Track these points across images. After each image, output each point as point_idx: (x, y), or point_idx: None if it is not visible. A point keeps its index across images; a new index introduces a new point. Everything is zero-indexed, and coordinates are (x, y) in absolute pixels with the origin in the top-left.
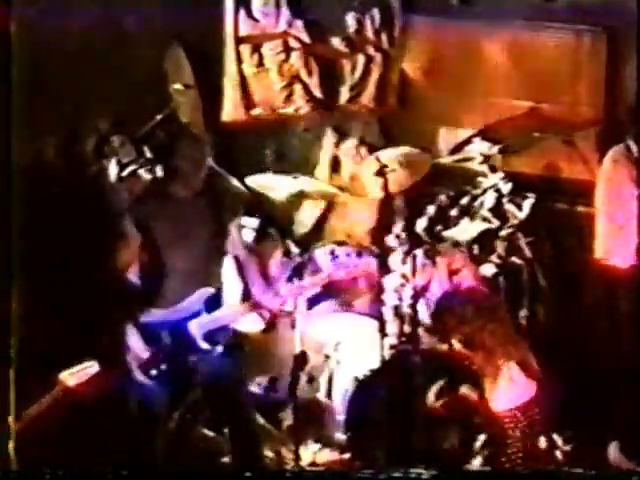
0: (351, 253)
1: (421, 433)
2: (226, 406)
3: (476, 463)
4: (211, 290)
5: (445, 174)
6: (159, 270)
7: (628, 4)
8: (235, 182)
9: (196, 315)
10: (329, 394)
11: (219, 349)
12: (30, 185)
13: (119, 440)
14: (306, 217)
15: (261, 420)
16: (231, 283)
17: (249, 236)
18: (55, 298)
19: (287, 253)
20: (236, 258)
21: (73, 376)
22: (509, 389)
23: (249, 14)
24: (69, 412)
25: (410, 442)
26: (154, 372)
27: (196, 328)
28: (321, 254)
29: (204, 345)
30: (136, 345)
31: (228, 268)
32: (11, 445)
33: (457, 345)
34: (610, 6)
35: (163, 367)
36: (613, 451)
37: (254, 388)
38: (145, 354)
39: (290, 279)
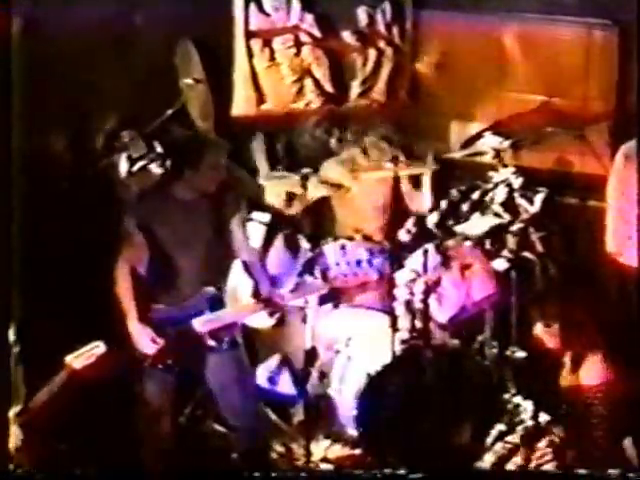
0: (354, 259)
1: (433, 429)
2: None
3: (487, 460)
4: (214, 289)
5: (456, 168)
6: (164, 267)
7: None
8: (246, 177)
9: (201, 313)
10: (340, 390)
11: (225, 346)
12: (39, 179)
13: (125, 431)
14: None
15: (272, 416)
16: (240, 280)
17: (259, 231)
18: (58, 291)
19: (296, 248)
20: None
21: (79, 358)
22: (595, 367)
23: (260, 8)
24: (76, 400)
25: (422, 438)
26: (161, 367)
27: (202, 325)
28: (331, 249)
29: (211, 342)
30: (143, 340)
31: (238, 266)
32: (11, 444)
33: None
34: (621, 0)
35: (169, 362)
36: (628, 446)
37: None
38: (151, 350)
39: (301, 274)
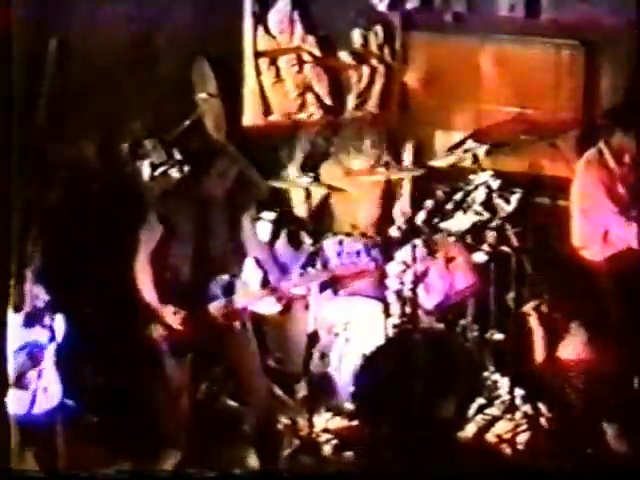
0: (352, 251)
1: (422, 403)
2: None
3: (469, 430)
4: (227, 277)
5: (441, 172)
6: (182, 256)
7: (604, 20)
8: (257, 178)
9: (216, 298)
10: (339, 368)
11: (238, 328)
12: (72, 183)
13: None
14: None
15: (278, 391)
16: (251, 271)
17: (266, 228)
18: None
19: (299, 243)
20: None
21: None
22: (574, 342)
23: (267, 31)
24: None
25: (412, 411)
26: (182, 356)
27: (217, 309)
28: (330, 244)
29: (224, 324)
30: (169, 316)
31: (250, 259)
32: (13, 441)
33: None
34: (587, 22)
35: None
36: (610, 434)
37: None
38: (177, 322)
39: (304, 267)
